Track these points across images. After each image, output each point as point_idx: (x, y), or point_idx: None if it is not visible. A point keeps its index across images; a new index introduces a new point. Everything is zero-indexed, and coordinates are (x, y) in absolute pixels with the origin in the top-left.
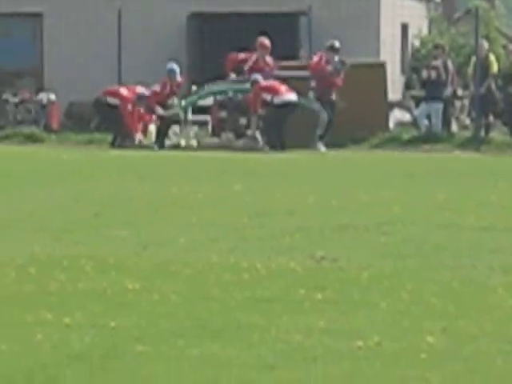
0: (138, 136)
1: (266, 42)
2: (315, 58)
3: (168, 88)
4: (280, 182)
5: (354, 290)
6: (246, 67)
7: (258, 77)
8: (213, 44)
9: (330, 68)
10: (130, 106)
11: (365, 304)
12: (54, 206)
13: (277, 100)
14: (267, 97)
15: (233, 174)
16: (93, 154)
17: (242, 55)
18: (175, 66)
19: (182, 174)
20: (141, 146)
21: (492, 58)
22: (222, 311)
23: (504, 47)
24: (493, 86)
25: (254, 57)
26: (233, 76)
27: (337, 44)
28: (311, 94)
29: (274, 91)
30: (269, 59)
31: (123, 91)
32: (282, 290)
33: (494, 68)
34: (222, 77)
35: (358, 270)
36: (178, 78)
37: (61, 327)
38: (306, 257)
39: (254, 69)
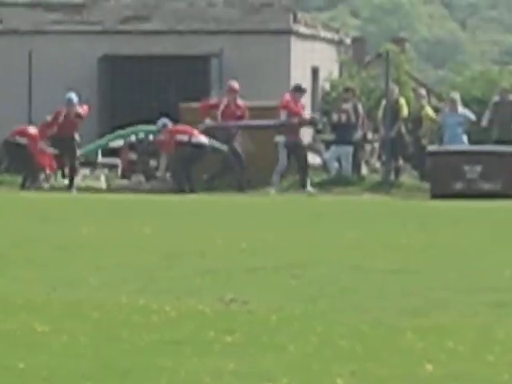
0: (48, 176)
1: (236, 85)
2: (286, 97)
3: (62, 118)
4: (190, 224)
5: (263, 333)
6: (219, 112)
7: (166, 120)
8: (124, 87)
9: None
10: (39, 145)
11: (274, 346)
12: None
13: (194, 140)
14: (183, 138)
15: (142, 215)
16: (0, 196)
17: (212, 101)
18: (73, 96)
19: (91, 216)
20: (51, 187)
21: (402, 101)
22: (130, 353)
23: (414, 91)
24: (403, 130)
25: (225, 101)
26: (208, 122)
27: (303, 85)
28: (281, 138)
29: (189, 133)
30: (240, 102)
31: (32, 130)
32: (191, 332)
33: (404, 112)
34: (132, 123)
35: (267, 313)
36: (77, 108)
37: None
38: (216, 299)
39: (226, 113)
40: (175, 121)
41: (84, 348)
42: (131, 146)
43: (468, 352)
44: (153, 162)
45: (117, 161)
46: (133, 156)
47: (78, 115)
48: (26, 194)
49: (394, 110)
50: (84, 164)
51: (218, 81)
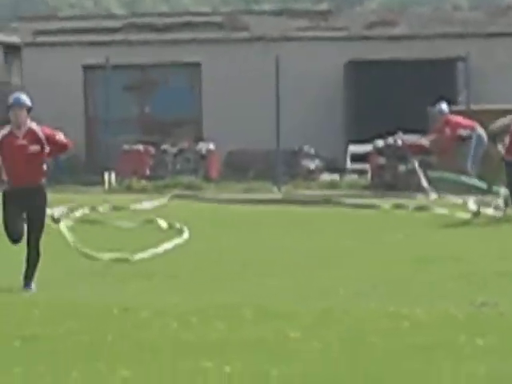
0: None
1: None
2: None
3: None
4: (441, 230)
5: None
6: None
7: (444, 106)
8: (370, 92)
9: None
10: None
11: None
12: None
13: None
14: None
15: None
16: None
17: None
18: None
19: (341, 228)
20: None
21: None
22: (382, 358)
23: None
24: None
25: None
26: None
27: None
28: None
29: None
30: None
31: None
32: (442, 336)
33: None
34: (377, 130)
35: None
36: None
37: (221, 376)
38: (467, 303)
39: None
40: (422, 126)
41: (336, 353)
42: (380, 151)
43: None
44: (401, 167)
45: (365, 166)
46: (381, 160)
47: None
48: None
49: None
50: (331, 170)
51: (464, 85)
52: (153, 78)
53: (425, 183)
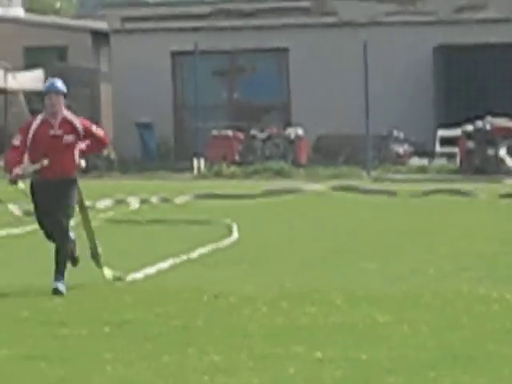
0: None
1: None
2: None
3: None
4: None
5: None
6: None
7: None
8: (460, 77)
9: None
10: None
11: None
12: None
13: None
14: None
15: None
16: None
17: None
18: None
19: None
20: None
21: None
22: (472, 341)
23: None
24: None
25: None
26: None
27: None
28: None
29: None
30: None
31: None
32: None
33: None
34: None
35: None
36: None
37: (312, 361)
38: None
39: None
40: (506, 109)
41: (425, 337)
42: (469, 135)
43: None
44: (490, 151)
45: (455, 150)
46: (470, 144)
47: None
48: None
49: None
50: (420, 154)
51: None
52: (241, 64)
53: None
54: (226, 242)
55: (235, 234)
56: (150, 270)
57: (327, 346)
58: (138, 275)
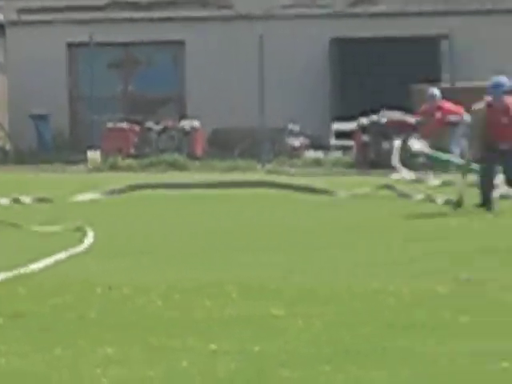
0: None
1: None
2: None
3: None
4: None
5: (497, 313)
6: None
7: (436, 90)
8: (354, 70)
9: None
10: None
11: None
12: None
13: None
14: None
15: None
16: None
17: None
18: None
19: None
20: None
21: None
22: (367, 336)
23: None
24: None
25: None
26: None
27: None
28: None
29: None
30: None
31: None
32: (426, 313)
33: None
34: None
35: (502, 293)
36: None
37: (207, 353)
38: (450, 279)
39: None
40: (405, 103)
41: (319, 331)
42: (364, 128)
43: None
44: (385, 145)
45: (350, 143)
46: (365, 138)
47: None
48: None
49: None
50: (316, 147)
51: (448, 63)
52: (136, 56)
53: (396, 161)
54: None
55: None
56: (46, 262)
57: (222, 338)
58: (33, 266)
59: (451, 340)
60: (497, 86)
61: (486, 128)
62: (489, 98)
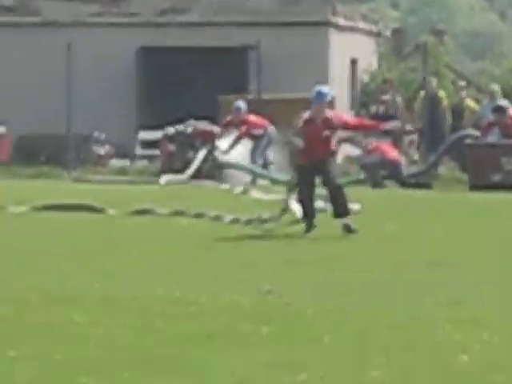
0: None
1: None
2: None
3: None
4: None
5: (299, 325)
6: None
7: (242, 103)
8: (162, 80)
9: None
10: None
11: (309, 338)
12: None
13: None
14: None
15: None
16: None
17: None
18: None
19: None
20: None
21: (442, 93)
22: (167, 344)
23: (453, 83)
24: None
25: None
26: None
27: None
28: None
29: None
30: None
31: None
32: (227, 323)
33: (444, 103)
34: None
35: (303, 305)
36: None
37: (5, 360)
38: (253, 291)
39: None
40: (212, 113)
41: (121, 339)
42: (170, 138)
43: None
44: (191, 154)
45: (156, 152)
46: (171, 147)
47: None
48: None
49: (432, 102)
50: (121, 156)
51: (256, 73)
52: None
53: (191, 171)
54: None
55: None
56: None
57: (21, 344)
58: None
59: (250, 350)
60: (319, 96)
61: (306, 141)
62: (307, 114)
